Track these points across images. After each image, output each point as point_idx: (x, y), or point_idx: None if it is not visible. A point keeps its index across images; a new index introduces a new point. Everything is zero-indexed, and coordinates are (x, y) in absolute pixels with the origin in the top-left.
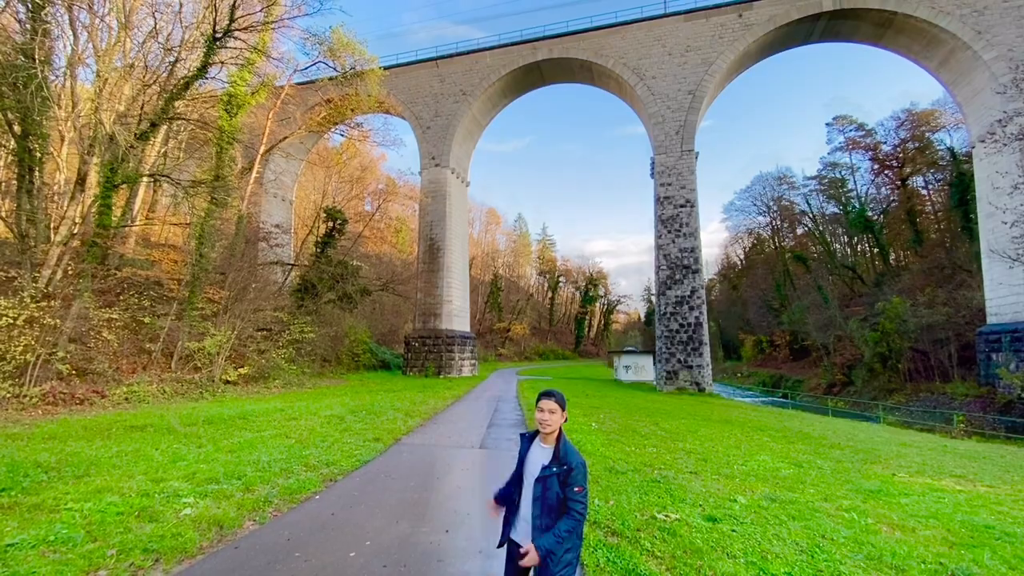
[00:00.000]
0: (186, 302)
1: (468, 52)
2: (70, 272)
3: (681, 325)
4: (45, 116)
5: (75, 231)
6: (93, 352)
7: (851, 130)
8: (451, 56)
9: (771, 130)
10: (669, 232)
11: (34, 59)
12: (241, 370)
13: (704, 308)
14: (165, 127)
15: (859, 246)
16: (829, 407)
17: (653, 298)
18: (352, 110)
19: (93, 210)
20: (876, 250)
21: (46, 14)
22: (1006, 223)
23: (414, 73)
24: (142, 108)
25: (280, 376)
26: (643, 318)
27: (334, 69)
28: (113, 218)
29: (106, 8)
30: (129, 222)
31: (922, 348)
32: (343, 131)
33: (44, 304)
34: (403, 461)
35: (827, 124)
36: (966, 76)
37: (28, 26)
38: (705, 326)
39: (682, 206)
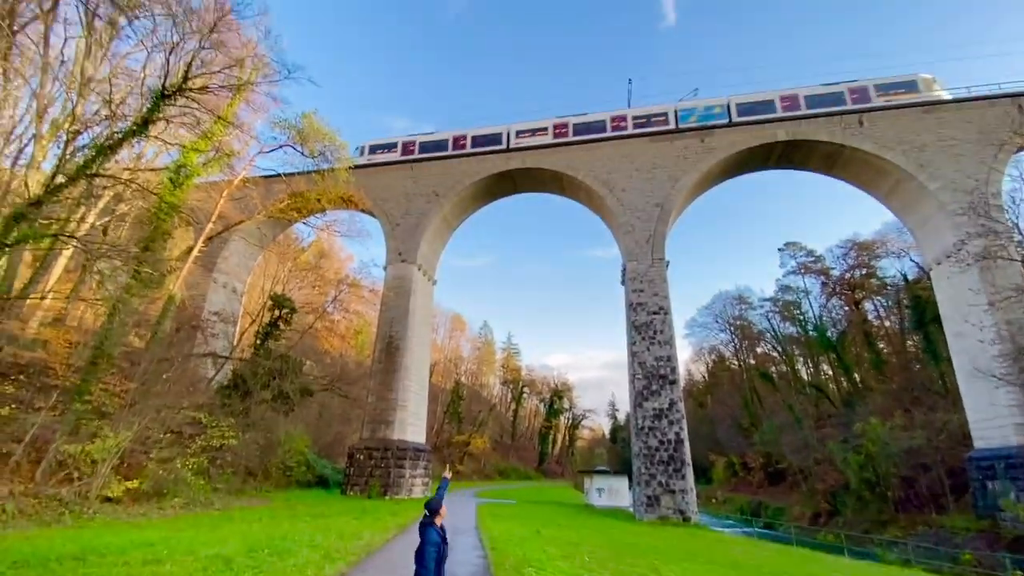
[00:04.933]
0: (73, 392)
1: (443, 156)
2: None
3: (660, 442)
4: None
5: None
6: None
7: (802, 255)
8: (426, 159)
9: (729, 246)
10: (643, 339)
11: None
12: (130, 483)
13: (684, 423)
14: (86, 186)
15: (821, 366)
16: (819, 540)
17: (619, 413)
18: (319, 200)
19: None
20: (840, 370)
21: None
22: (983, 341)
23: (387, 172)
24: (62, 161)
25: (183, 493)
26: (608, 435)
27: (302, 154)
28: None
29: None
30: (31, 294)
31: (908, 475)
32: (308, 222)
33: None
34: None
35: (780, 249)
36: (914, 204)
37: None
38: (687, 443)
39: (655, 313)
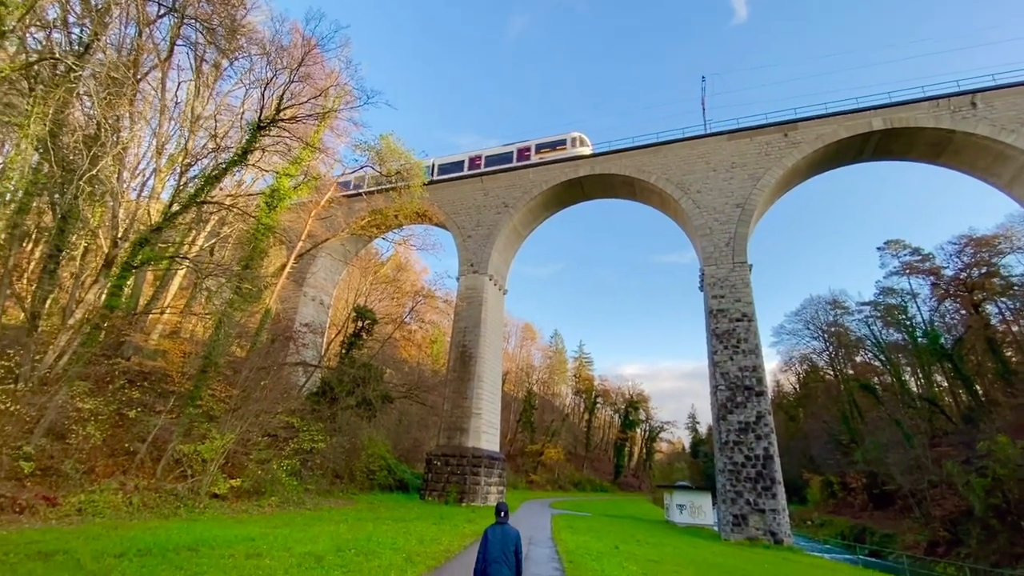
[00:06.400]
0: (186, 397)
1: (512, 168)
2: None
3: (747, 457)
4: (90, 202)
5: (91, 316)
6: (72, 449)
7: (906, 254)
8: (495, 172)
9: (818, 247)
10: (726, 348)
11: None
12: (234, 481)
13: (774, 438)
14: (196, 212)
15: (933, 376)
16: (937, 572)
17: (700, 426)
18: (395, 216)
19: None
20: (957, 381)
21: (117, 114)
22: None
23: (458, 187)
24: (177, 191)
25: (278, 492)
26: (688, 448)
27: (380, 174)
28: (123, 301)
29: (176, 111)
30: (153, 310)
31: None
32: (386, 237)
33: (18, 389)
34: None
35: (879, 248)
36: None
37: (96, 121)
38: (777, 460)
39: (738, 320)
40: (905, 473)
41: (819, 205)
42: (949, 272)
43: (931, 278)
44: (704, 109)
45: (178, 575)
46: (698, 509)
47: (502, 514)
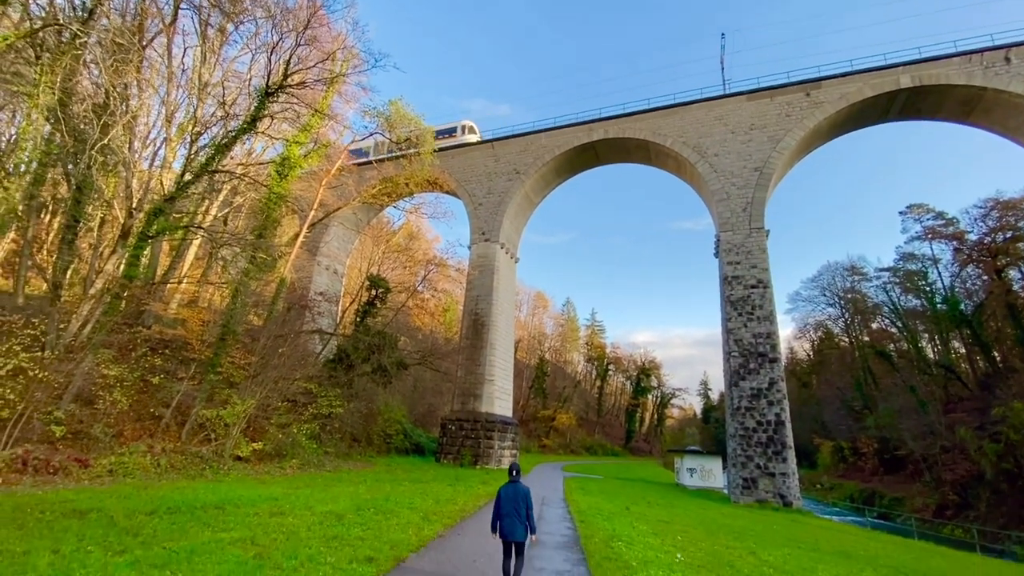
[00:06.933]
0: (207, 364)
1: (524, 134)
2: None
3: (759, 422)
4: (104, 172)
5: (111, 286)
6: (100, 414)
7: (929, 219)
8: (507, 138)
9: (837, 212)
10: (740, 315)
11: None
12: (256, 445)
13: (786, 404)
14: (208, 182)
15: (951, 343)
16: (945, 534)
17: (712, 393)
18: (406, 183)
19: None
20: (976, 348)
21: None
22: None
23: (469, 153)
24: (188, 160)
25: (299, 455)
26: (699, 414)
27: (390, 140)
28: (141, 271)
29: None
30: (170, 279)
31: None
32: (397, 206)
33: (45, 357)
34: None
35: (901, 213)
36: None
37: (104, 89)
38: (788, 425)
39: (753, 287)
40: (917, 438)
41: (839, 169)
42: (973, 237)
43: (954, 243)
44: (723, 68)
45: (206, 531)
46: (708, 473)
47: (514, 473)
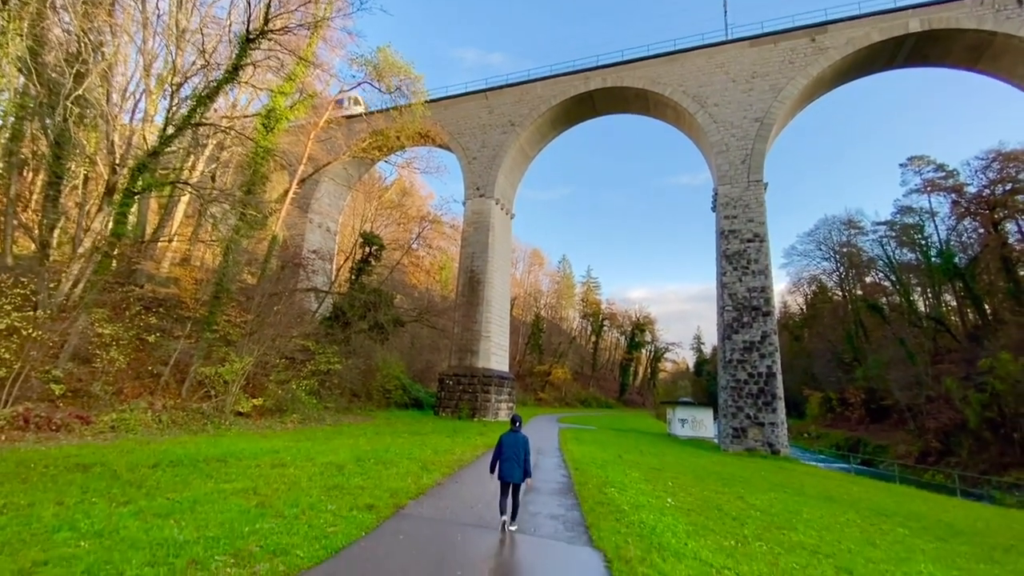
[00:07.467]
0: (202, 323)
1: (519, 83)
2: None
3: (750, 375)
4: (80, 125)
5: (100, 244)
6: (99, 372)
7: (929, 171)
8: (501, 87)
9: (836, 165)
10: (735, 269)
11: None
12: (256, 401)
13: (777, 356)
14: (192, 135)
15: (943, 296)
16: (926, 479)
17: (705, 347)
18: (398, 136)
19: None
20: (967, 301)
21: (95, 25)
22: None
23: (462, 105)
24: (170, 113)
25: (299, 410)
26: (692, 368)
27: (379, 90)
28: (129, 229)
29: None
30: (160, 238)
31: None
32: (389, 160)
33: (38, 316)
34: (394, 553)
35: (901, 165)
36: None
37: (76, 36)
38: (779, 377)
39: (749, 241)
40: (904, 389)
41: (839, 119)
42: (972, 189)
43: (952, 195)
44: (726, 11)
45: (209, 483)
46: (699, 423)
47: (516, 424)
